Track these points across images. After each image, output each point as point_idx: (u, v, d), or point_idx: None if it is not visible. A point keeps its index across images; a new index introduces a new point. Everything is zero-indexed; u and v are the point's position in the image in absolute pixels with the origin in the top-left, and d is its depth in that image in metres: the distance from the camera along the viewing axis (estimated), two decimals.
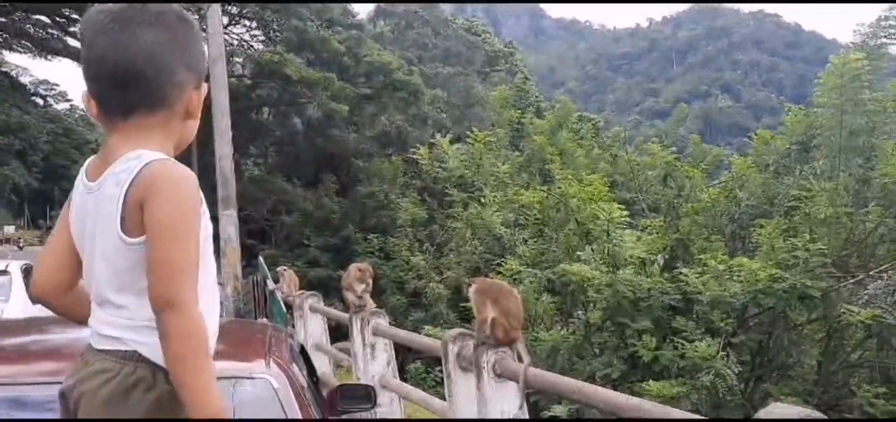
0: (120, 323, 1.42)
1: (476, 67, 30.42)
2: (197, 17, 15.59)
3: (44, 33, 24.86)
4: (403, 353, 9.09)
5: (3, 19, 23.57)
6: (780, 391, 8.08)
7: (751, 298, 8.06)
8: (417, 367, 13.50)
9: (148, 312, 1.37)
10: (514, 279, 9.42)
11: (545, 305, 9.83)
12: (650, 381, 7.49)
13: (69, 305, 1.59)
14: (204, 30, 11.28)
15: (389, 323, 6.10)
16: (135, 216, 1.38)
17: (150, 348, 1.39)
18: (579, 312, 9.92)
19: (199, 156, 17.83)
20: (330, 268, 20.59)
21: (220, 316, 1.62)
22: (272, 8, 24.79)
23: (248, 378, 2.17)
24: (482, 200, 12.66)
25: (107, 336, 1.44)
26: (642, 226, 10.49)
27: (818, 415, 1.97)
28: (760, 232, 8.93)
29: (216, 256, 1.84)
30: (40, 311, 1.79)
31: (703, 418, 2.64)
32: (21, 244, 26.71)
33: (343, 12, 27.15)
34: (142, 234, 1.38)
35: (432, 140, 14.76)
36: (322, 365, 7.19)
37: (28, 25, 24.34)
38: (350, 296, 6.29)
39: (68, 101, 44.49)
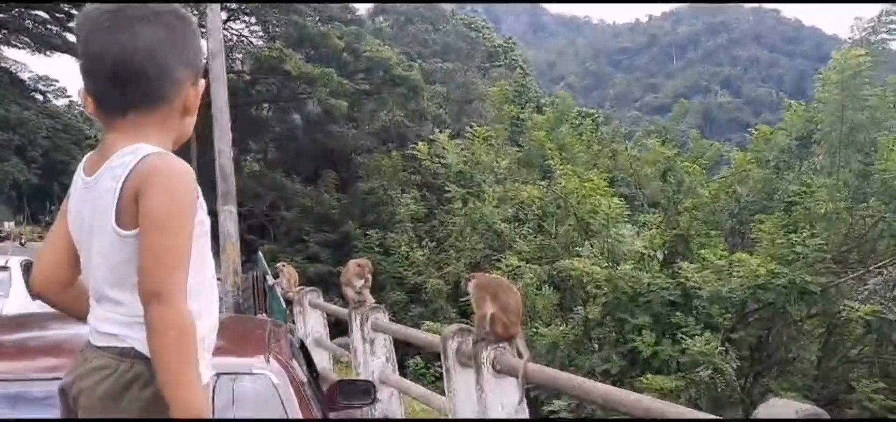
0: (117, 319, 1.42)
1: (476, 63, 30.38)
2: (196, 13, 15.59)
3: (43, 29, 24.82)
4: (403, 348, 9.09)
5: (2, 15, 23.53)
6: (780, 387, 8.09)
7: (750, 294, 8.07)
8: (417, 362, 13.51)
9: None
10: (514, 275, 9.43)
11: (545, 301, 9.84)
12: (649, 374, 7.51)
13: (69, 302, 1.58)
14: (203, 26, 11.25)
15: (389, 319, 6.10)
16: (130, 209, 1.37)
17: (144, 344, 1.39)
18: (579, 307, 9.93)
19: (198, 152, 17.81)
20: (329, 264, 20.60)
21: (220, 312, 1.61)
22: (271, 4, 24.76)
23: (248, 374, 2.17)
24: (482, 195, 12.66)
25: (104, 333, 1.44)
26: (642, 221, 10.50)
27: (818, 410, 1.97)
28: (760, 228, 8.94)
29: (215, 252, 1.84)
30: (40, 307, 1.79)
31: (703, 416, 2.64)
32: (23, 241, 26.64)
33: (342, 8, 27.09)
34: (137, 227, 1.37)
35: (432, 136, 14.75)
36: (322, 361, 7.19)
37: (27, 21, 24.30)
38: (349, 291, 6.29)
39: (67, 97, 44.40)
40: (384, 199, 22.91)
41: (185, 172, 1.40)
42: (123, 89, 1.43)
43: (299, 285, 9.26)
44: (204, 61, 1.55)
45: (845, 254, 9.27)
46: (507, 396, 3.57)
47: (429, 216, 21.43)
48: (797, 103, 11.65)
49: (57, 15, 23.76)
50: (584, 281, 9.17)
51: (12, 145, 35.52)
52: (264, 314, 10.40)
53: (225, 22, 21.56)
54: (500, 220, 12.24)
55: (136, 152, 1.39)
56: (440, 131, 14.56)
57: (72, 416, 1.44)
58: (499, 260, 10.68)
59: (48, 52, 25.83)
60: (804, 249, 8.08)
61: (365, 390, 3.24)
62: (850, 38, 14.27)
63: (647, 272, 8.79)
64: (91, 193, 1.43)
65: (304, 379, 2.49)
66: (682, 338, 7.77)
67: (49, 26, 24.66)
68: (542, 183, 11.83)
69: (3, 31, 24.60)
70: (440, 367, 4.25)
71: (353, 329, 6.06)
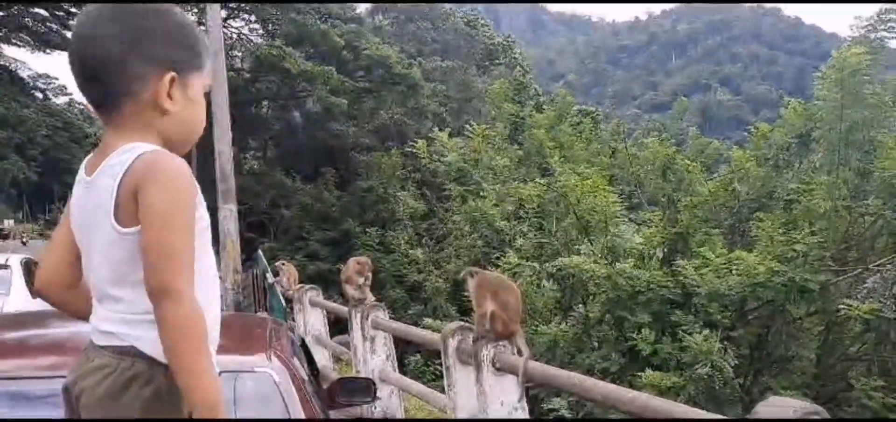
0: (117, 317, 1.43)
1: (475, 61, 30.33)
2: (196, 11, 15.57)
3: (42, 27, 24.83)
4: (403, 346, 9.10)
5: (1, 13, 23.51)
6: (779, 385, 8.10)
7: (750, 292, 8.07)
8: (417, 360, 13.52)
9: (144, 305, 1.38)
10: (514, 273, 9.44)
11: (545, 299, 9.84)
12: (648, 370, 7.51)
13: (72, 301, 1.59)
14: (202, 23, 11.26)
15: (389, 316, 6.11)
16: (129, 206, 1.38)
17: (148, 342, 1.39)
18: (579, 305, 9.94)
19: (198, 150, 17.81)
20: (329, 261, 20.62)
21: (220, 310, 1.62)
22: (271, 3, 24.77)
23: (249, 372, 2.17)
24: (481, 193, 12.66)
25: (105, 332, 1.44)
26: (642, 219, 10.51)
27: (817, 408, 1.97)
28: (760, 226, 8.94)
29: (216, 250, 1.84)
30: (41, 305, 1.79)
31: (702, 414, 2.64)
32: (25, 239, 26.57)
33: (342, 6, 27.09)
34: (136, 224, 1.38)
35: (431, 134, 14.74)
36: (322, 359, 7.20)
37: (26, 19, 24.30)
38: (349, 289, 6.29)
39: (67, 94, 44.46)
40: (384, 197, 22.91)
41: (183, 168, 1.41)
42: (91, 85, 1.47)
43: (299, 283, 9.25)
44: (196, 55, 1.52)
45: (844, 252, 9.28)
46: (506, 393, 3.58)
47: (428, 214, 21.44)
48: (796, 101, 11.65)
49: (57, 13, 23.76)
50: (584, 279, 9.17)
51: (12, 143, 35.54)
52: (264, 312, 10.41)
53: (225, 20, 21.55)
54: (499, 218, 12.24)
55: (133, 150, 1.40)
56: (440, 130, 14.54)
57: (75, 415, 1.45)
58: (498, 258, 10.68)
59: (48, 50, 25.84)
60: (803, 248, 8.09)
61: (365, 388, 3.24)
62: (849, 37, 14.28)
63: (646, 270, 8.79)
64: (90, 193, 1.44)
65: (305, 377, 2.49)
66: (681, 337, 7.78)
67: (48, 24, 24.67)
68: (542, 181, 11.82)
69: (3, 29, 24.59)
70: (440, 365, 4.25)
71: (353, 327, 6.07)
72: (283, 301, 9.80)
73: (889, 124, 10.02)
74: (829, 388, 8.79)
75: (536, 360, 3.77)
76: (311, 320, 7.93)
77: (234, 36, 26.64)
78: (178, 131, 1.50)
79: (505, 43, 33.90)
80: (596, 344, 9.22)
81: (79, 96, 1.57)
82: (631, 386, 6.52)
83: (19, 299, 7.51)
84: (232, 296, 10.10)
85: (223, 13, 19.19)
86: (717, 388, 7.53)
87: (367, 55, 24.57)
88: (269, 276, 11.10)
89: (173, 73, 1.46)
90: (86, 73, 1.46)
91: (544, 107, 22.34)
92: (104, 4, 1.47)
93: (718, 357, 7.37)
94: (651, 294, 8.51)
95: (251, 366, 2.21)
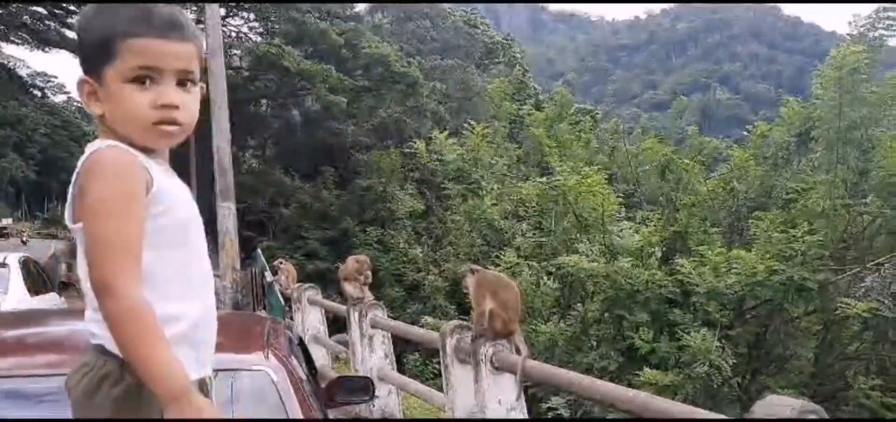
0: (92, 316, 1.43)
1: (474, 60, 30.30)
2: (195, 10, 15.55)
3: (41, 25, 24.79)
4: (401, 345, 9.11)
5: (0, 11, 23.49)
6: (777, 384, 8.11)
7: (748, 291, 8.08)
8: (415, 359, 13.52)
9: None
10: (513, 272, 9.44)
11: (543, 298, 9.85)
12: (646, 369, 7.52)
13: None
14: (202, 22, 11.24)
15: (387, 315, 6.11)
16: (78, 203, 1.38)
17: (111, 341, 1.37)
18: (578, 304, 9.95)
19: (197, 148, 17.80)
20: (328, 260, 20.59)
21: (217, 308, 1.61)
22: (271, 2, 24.77)
23: (246, 371, 2.17)
24: (480, 192, 12.67)
25: (89, 331, 1.45)
26: (641, 218, 10.51)
27: (815, 406, 1.97)
28: (758, 224, 8.95)
29: (214, 249, 1.81)
30: (39, 303, 1.79)
31: (701, 414, 2.64)
32: (25, 239, 26.44)
33: (342, 5, 27.08)
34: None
35: (430, 135, 14.75)
36: (320, 357, 7.20)
37: (25, 17, 24.26)
38: (348, 288, 6.29)
39: (66, 93, 44.43)
40: (383, 196, 22.91)
41: (121, 159, 1.38)
42: None
43: (298, 282, 9.26)
44: (100, 51, 1.42)
45: (843, 251, 9.29)
46: (505, 392, 3.58)
47: (427, 213, 21.45)
48: (795, 100, 11.66)
49: (55, 11, 23.73)
50: (583, 278, 9.18)
51: (10, 142, 35.49)
52: (263, 311, 10.41)
53: (224, 18, 21.52)
54: (498, 216, 12.25)
55: (90, 146, 1.41)
56: (439, 128, 14.56)
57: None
58: (498, 257, 10.69)
59: (46, 49, 25.82)
60: (802, 246, 8.09)
61: (363, 387, 3.23)
62: (848, 35, 14.28)
63: (645, 269, 8.80)
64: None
65: (304, 376, 2.49)
66: (679, 336, 7.78)
67: (47, 22, 24.63)
68: (542, 180, 11.83)
69: (2, 27, 24.55)
70: (439, 363, 4.25)
71: (352, 326, 6.07)
72: (281, 300, 9.80)
73: (889, 124, 10.03)
74: (827, 387, 8.79)
75: (535, 359, 3.77)
76: (310, 319, 7.93)
77: (233, 34, 26.62)
78: (121, 128, 1.43)
79: (504, 41, 33.90)
80: (594, 343, 9.23)
81: (77, 95, 1.56)
82: (629, 385, 6.53)
83: (17, 297, 7.51)
84: (230, 294, 10.09)
85: (222, 11, 19.16)
86: (715, 387, 7.54)
87: (366, 53, 24.56)
88: (268, 274, 11.11)
89: (84, 78, 1.44)
90: None
91: (544, 105, 22.35)
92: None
93: (717, 356, 7.38)
94: (649, 293, 8.51)
95: (249, 365, 2.20)
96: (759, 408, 2.00)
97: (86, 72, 1.45)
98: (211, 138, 10.46)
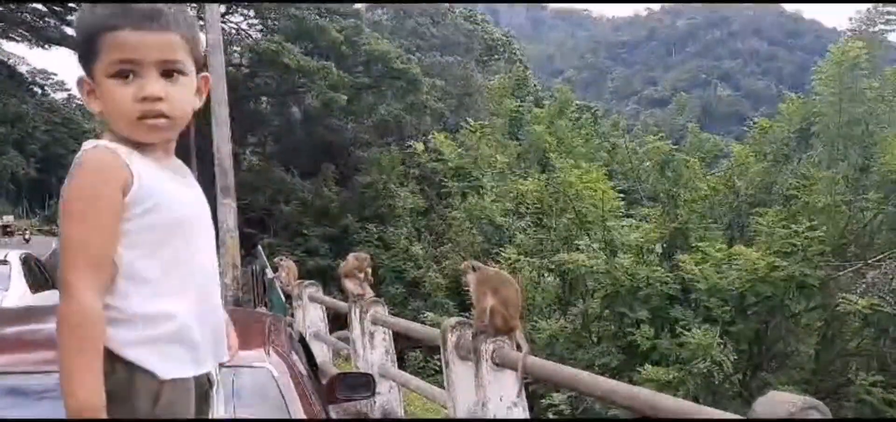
0: None
1: (474, 56, 30.24)
2: (194, 7, 15.53)
3: (41, 22, 24.75)
4: (402, 342, 9.09)
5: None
6: (778, 380, 8.11)
7: (749, 287, 8.08)
8: (416, 356, 13.52)
9: None
10: (513, 269, 9.44)
11: (544, 295, 9.85)
12: (647, 366, 7.53)
13: None
14: (201, 19, 11.23)
15: (388, 312, 6.11)
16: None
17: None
18: (579, 301, 9.95)
19: (197, 146, 17.80)
20: (329, 257, 20.58)
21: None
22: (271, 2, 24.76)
23: (247, 367, 2.16)
24: (480, 190, 12.67)
25: None
26: (641, 215, 10.51)
27: (816, 402, 1.97)
28: (759, 221, 8.94)
29: (216, 247, 1.79)
30: (40, 300, 1.79)
31: (702, 410, 2.64)
32: (28, 236, 26.42)
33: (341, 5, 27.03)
34: None
35: (430, 132, 14.75)
36: (321, 354, 7.20)
37: (25, 14, 24.22)
38: (349, 285, 6.29)
39: (66, 90, 44.43)
40: (383, 193, 22.89)
41: (96, 157, 1.37)
42: None
43: (298, 279, 9.26)
44: (86, 49, 1.42)
45: (844, 247, 9.29)
46: (506, 389, 3.58)
47: (428, 210, 21.43)
48: (794, 96, 11.64)
49: (55, 8, 23.69)
50: (583, 274, 9.18)
51: (11, 139, 35.53)
52: (264, 308, 10.42)
53: (223, 16, 21.50)
54: (499, 213, 12.25)
55: (82, 147, 1.41)
56: (439, 125, 14.56)
57: None
58: (498, 254, 10.69)
59: (46, 46, 25.77)
60: (803, 243, 8.09)
61: (364, 384, 3.24)
62: (848, 31, 14.26)
63: (645, 266, 8.80)
64: None
65: (305, 372, 2.49)
66: (680, 332, 7.78)
67: (47, 19, 24.59)
68: (542, 177, 11.83)
69: (1, 24, 24.52)
70: (439, 360, 4.25)
71: (353, 323, 6.07)
72: (282, 297, 9.81)
73: (889, 120, 10.01)
74: (828, 383, 8.80)
75: (536, 355, 3.76)
76: (311, 316, 7.93)
77: (233, 31, 26.57)
78: (114, 124, 1.43)
79: (504, 38, 33.85)
80: (595, 340, 9.23)
81: (77, 91, 1.55)
82: (630, 382, 6.53)
83: (18, 294, 7.52)
84: (231, 292, 10.10)
85: (221, 9, 19.14)
86: (716, 383, 7.54)
87: (366, 50, 24.53)
88: (269, 271, 11.12)
89: (84, 77, 1.44)
90: None
91: (544, 102, 22.33)
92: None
93: (718, 352, 7.38)
94: (650, 290, 8.51)
95: (249, 361, 2.20)
96: (761, 405, 1.99)
97: (84, 71, 1.45)
98: (211, 136, 10.48)
